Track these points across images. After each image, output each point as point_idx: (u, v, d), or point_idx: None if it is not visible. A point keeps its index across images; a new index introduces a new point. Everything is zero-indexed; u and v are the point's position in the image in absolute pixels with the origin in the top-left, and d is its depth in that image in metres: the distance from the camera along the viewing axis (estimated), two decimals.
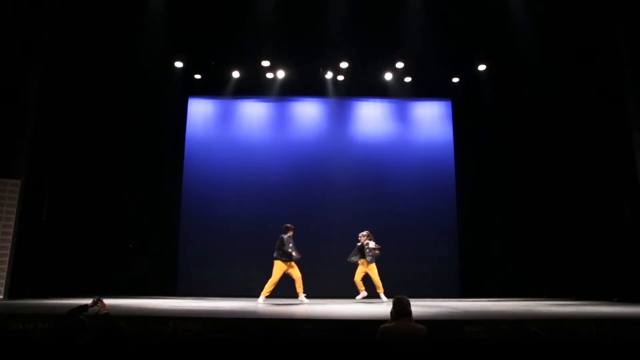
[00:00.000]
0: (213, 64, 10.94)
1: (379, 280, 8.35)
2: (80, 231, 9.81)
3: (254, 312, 5.93)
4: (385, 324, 3.68)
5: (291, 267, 8.01)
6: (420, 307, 6.70)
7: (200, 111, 11.72)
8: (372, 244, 8.39)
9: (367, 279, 8.50)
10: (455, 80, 11.43)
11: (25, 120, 8.50)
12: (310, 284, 8.34)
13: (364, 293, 8.39)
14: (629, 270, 8.44)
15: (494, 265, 10.65)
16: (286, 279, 8.07)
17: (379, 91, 11.49)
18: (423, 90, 11.55)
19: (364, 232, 8.55)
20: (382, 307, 6.70)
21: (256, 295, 9.47)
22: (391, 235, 10.59)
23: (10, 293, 7.99)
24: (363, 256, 8.44)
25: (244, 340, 4.50)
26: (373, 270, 8.38)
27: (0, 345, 4.12)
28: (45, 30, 8.71)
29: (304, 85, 11.39)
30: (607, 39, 8.99)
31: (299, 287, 7.97)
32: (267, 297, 7.89)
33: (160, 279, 10.49)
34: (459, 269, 10.88)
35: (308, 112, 11.92)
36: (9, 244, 8.09)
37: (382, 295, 8.32)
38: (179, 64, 10.87)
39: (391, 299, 3.62)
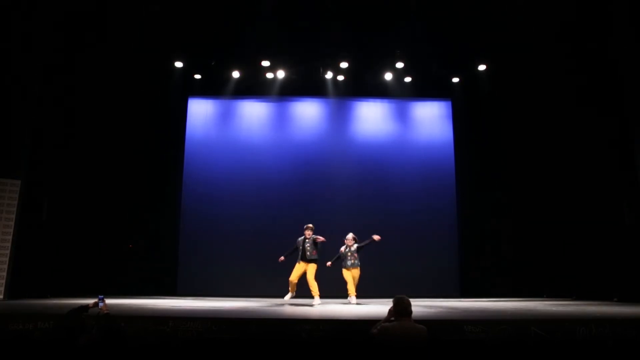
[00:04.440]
0: (213, 64, 10.94)
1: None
2: (80, 231, 9.81)
3: (254, 312, 5.93)
4: (386, 323, 3.68)
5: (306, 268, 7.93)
6: (420, 307, 6.70)
7: (200, 111, 11.72)
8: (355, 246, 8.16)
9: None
10: (455, 80, 11.43)
11: (25, 120, 8.50)
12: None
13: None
14: (629, 270, 8.44)
15: (494, 265, 10.65)
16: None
17: (379, 91, 11.49)
18: (423, 90, 11.54)
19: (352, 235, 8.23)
20: (381, 307, 6.69)
21: (256, 295, 9.53)
22: (391, 235, 10.58)
23: (10, 293, 7.99)
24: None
25: (244, 340, 4.50)
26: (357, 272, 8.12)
27: (0, 345, 4.12)
28: (45, 30, 8.70)
29: (304, 85, 11.38)
30: (606, 39, 9.00)
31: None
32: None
33: (160, 279, 10.49)
34: (459, 269, 10.88)
35: (308, 112, 11.91)
36: (9, 244, 8.09)
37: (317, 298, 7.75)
38: (179, 64, 10.86)
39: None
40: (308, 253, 7.78)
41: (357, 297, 8.00)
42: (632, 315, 5.27)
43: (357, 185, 11.20)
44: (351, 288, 7.98)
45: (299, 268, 7.86)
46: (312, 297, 7.78)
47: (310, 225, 8.01)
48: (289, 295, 7.94)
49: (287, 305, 7.28)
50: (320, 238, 7.82)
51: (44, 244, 8.91)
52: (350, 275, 8.04)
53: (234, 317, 5.22)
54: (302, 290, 8.33)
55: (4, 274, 7.98)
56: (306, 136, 11.62)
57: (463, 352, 4.34)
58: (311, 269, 7.84)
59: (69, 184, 9.62)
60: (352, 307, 6.99)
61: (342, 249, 8.23)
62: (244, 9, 9.48)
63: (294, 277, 7.86)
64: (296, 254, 7.97)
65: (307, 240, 7.92)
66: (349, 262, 8.07)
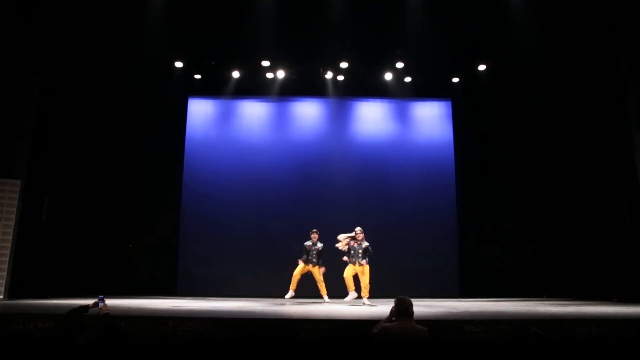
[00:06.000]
0: (213, 64, 10.94)
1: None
2: (80, 231, 9.81)
3: (254, 312, 5.93)
4: (386, 323, 3.68)
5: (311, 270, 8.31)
6: (420, 307, 6.69)
7: (200, 111, 11.71)
8: (365, 243, 7.96)
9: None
10: (455, 80, 11.43)
11: (25, 120, 8.50)
12: (311, 284, 8.35)
13: (354, 293, 7.88)
14: (629, 270, 8.44)
15: (494, 265, 10.64)
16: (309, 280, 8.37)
17: (379, 91, 11.49)
18: (423, 90, 11.54)
19: (360, 229, 8.04)
20: (382, 308, 6.70)
21: (256, 295, 9.52)
22: (391, 235, 10.61)
23: (10, 293, 7.99)
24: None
25: (244, 340, 4.50)
26: (367, 272, 7.88)
27: (0, 345, 4.12)
28: (45, 31, 8.70)
29: (304, 85, 11.38)
30: (606, 39, 9.00)
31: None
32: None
33: (160, 279, 10.48)
34: (459, 269, 10.88)
35: (308, 112, 11.91)
36: (9, 244, 8.08)
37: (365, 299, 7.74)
38: (179, 64, 10.86)
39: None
40: (315, 260, 8.19)
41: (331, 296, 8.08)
42: (632, 315, 5.28)
43: (357, 185, 11.19)
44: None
45: (304, 267, 8.21)
46: (319, 297, 8.19)
47: (316, 230, 8.39)
48: (290, 293, 8.12)
49: (287, 305, 7.28)
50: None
51: (44, 244, 8.90)
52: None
53: (234, 317, 5.22)
54: (303, 290, 8.37)
55: (4, 274, 7.97)
56: (306, 136, 11.61)
57: (463, 352, 4.34)
58: (318, 270, 8.22)
59: (69, 184, 9.61)
60: (352, 307, 6.99)
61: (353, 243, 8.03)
62: (244, 9, 9.47)
63: (298, 273, 8.19)
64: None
65: (316, 245, 8.23)
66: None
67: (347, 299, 7.86)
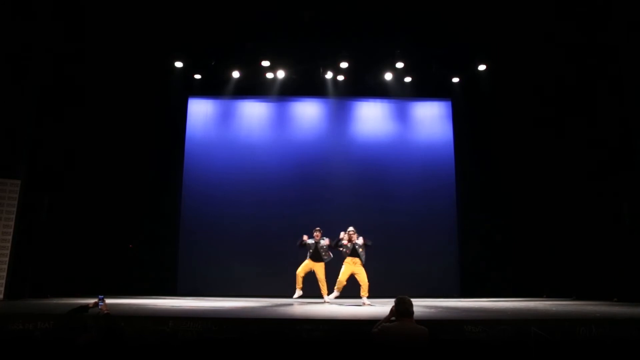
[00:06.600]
0: (213, 64, 10.94)
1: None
2: (80, 231, 9.80)
3: (254, 312, 5.93)
4: (386, 323, 3.68)
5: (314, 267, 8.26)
6: (420, 307, 6.69)
7: (200, 111, 11.72)
8: (360, 240, 7.89)
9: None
10: (455, 80, 11.42)
11: (25, 120, 8.50)
12: (311, 284, 8.35)
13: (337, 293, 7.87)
14: (629, 270, 8.44)
15: (494, 265, 10.65)
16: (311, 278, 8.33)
17: (379, 91, 11.48)
18: (423, 90, 11.54)
19: (352, 228, 7.99)
20: (382, 308, 6.70)
21: (256, 295, 9.51)
22: (391, 235, 10.61)
23: (10, 293, 7.98)
24: (355, 255, 7.83)
25: (244, 340, 4.50)
26: (363, 271, 7.82)
27: (0, 345, 4.13)
28: (45, 28, 8.70)
29: (304, 85, 11.38)
30: (605, 34, 9.01)
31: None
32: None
33: (160, 279, 10.48)
34: (459, 268, 10.88)
35: (308, 112, 11.92)
36: (9, 244, 8.07)
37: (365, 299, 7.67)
38: (179, 64, 10.86)
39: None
40: (324, 255, 8.17)
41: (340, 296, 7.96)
42: (632, 315, 5.27)
43: (357, 186, 11.19)
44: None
45: (307, 265, 8.19)
46: (320, 296, 8.16)
47: (319, 228, 8.34)
48: (297, 293, 8.12)
49: (287, 305, 7.28)
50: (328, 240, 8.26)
51: (44, 244, 8.90)
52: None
53: (234, 317, 5.22)
54: (305, 290, 8.35)
55: (4, 274, 7.97)
56: (306, 136, 11.61)
57: (463, 352, 4.34)
58: (321, 268, 8.17)
59: (69, 184, 9.61)
60: (352, 307, 6.99)
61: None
62: (244, 8, 9.47)
63: (301, 271, 8.17)
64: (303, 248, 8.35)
65: (320, 243, 8.19)
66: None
67: (330, 297, 7.86)
